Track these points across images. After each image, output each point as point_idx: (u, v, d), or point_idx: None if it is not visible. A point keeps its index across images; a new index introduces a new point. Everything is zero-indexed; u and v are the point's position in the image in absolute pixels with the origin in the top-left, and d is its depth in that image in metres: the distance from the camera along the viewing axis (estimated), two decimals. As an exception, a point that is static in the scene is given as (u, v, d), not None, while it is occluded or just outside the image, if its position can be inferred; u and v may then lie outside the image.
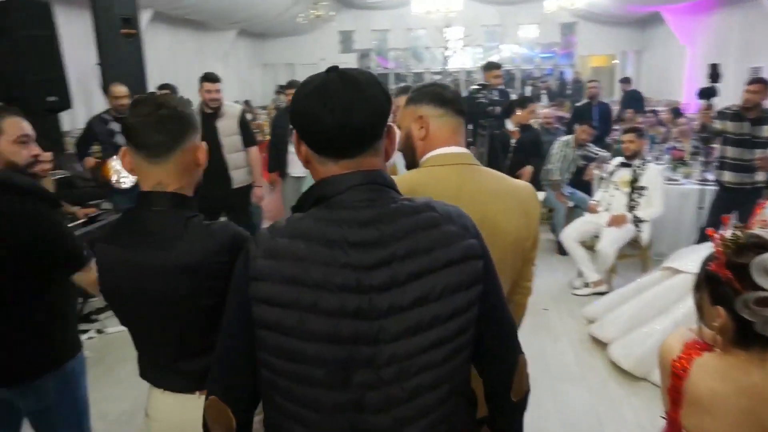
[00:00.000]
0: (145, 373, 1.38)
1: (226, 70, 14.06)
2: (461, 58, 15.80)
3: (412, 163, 1.51)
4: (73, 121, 6.65)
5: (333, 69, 0.97)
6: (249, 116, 10.44)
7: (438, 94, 1.43)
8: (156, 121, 1.20)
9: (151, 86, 5.72)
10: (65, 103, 5.04)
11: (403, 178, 1.44)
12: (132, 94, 4.89)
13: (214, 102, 3.86)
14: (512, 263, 1.46)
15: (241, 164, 4.04)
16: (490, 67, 5.11)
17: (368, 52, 16.65)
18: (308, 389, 0.93)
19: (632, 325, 3.27)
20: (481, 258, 0.99)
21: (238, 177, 4.03)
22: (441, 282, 0.93)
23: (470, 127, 4.30)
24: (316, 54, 15.31)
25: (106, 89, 4.82)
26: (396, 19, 15.46)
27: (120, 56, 4.94)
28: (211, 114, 3.89)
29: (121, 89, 4.35)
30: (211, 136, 3.86)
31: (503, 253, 1.38)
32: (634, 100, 8.79)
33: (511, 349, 1.07)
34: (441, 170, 1.40)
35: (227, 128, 3.93)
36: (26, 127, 1.74)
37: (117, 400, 2.93)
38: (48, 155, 3.76)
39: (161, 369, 1.35)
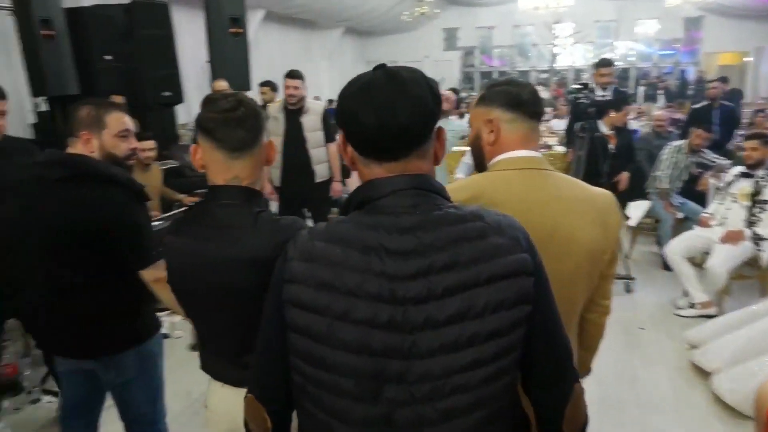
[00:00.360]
0: (206, 366, 1.42)
1: (331, 68, 14.52)
2: (570, 56, 15.09)
3: (480, 165, 1.42)
4: (189, 114, 7.15)
5: (380, 67, 0.92)
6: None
7: (512, 94, 1.33)
8: (239, 117, 1.23)
9: (256, 82, 5.99)
10: (177, 98, 5.44)
11: (467, 182, 1.37)
12: (236, 89, 5.15)
13: (291, 98, 3.96)
14: (587, 278, 1.33)
15: (324, 159, 4.14)
16: (598, 64, 4.80)
17: (472, 49, 16.40)
18: (337, 399, 0.89)
19: (743, 355, 2.91)
20: (532, 275, 0.90)
21: (320, 171, 4.14)
22: (482, 298, 0.85)
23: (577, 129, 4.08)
24: (420, 52, 15.34)
25: (213, 85, 5.12)
26: (502, 15, 15.09)
27: (227, 54, 5.22)
28: (296, 110, 3.99)
29: (222, 84, 4.62)
30: (295, 131, 3.98)
31: (576, 266, 1.27)
32: (733, 101, 7.83)
33: (564, 376, 0.96)
34: (508, 175, 1.30)
35: (311, 124, 4.03)
36: (128, 123, 1.85)
37: (201, 381, 3.07)
38: (150, 143, 4.04)
39: (223, 362, 1.37)
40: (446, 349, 0.85)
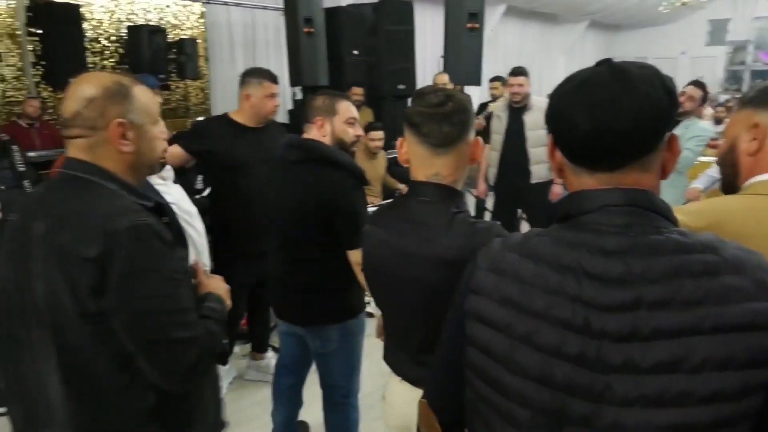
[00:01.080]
0: (387, 357, 1.44)
1: (569, 64, 13.79)
2: None
3: (729, 185, 1.16)
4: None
5: (604, 62, 0.80)
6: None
7: None
8: (446, 113, 1.21)
9: (489, 77, 5.96)
10: (410, 91, 5.72)
11: (704, 205, 1.13)
12: (465, 84, 5.20)
13: (515, 95, 3.89)
14: None
15: (544, 159, 3.94)
16: None
17: (745, 44, 13.97)
18: (509, 428, 0.81)
19: None
20: None
21: (538, 172, 3.97)
22: (703, 350, 0.68)
23: None
24: (675, 47, 13.65)
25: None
26: (793, 2, 12.51)
27: (461, 49, 5.28)
28: (519, 108, 3.90)
29: (443, 78, 4.73)
30: (516, 129, 3.91)
31: None
32: None
33: None
34: None
35: (534, 122, 3.89)
36: (354, 111, 2.01)
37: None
38: (380, 134, 4.32)
39: (403, 357, 1.38)
40: (646, 402, 0.70)
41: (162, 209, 1.18)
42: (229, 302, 1.33)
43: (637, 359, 0.71)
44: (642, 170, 0.77)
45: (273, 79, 2.57)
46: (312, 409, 2.36)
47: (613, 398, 0.72)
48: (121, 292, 1.03)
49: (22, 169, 3.55)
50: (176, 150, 2.44)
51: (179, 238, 1.16)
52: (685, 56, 13.58)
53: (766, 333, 0.68)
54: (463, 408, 0.93)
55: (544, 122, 3.23)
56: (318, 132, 1.93)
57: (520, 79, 3.86)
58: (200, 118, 6.35)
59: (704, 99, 3.53)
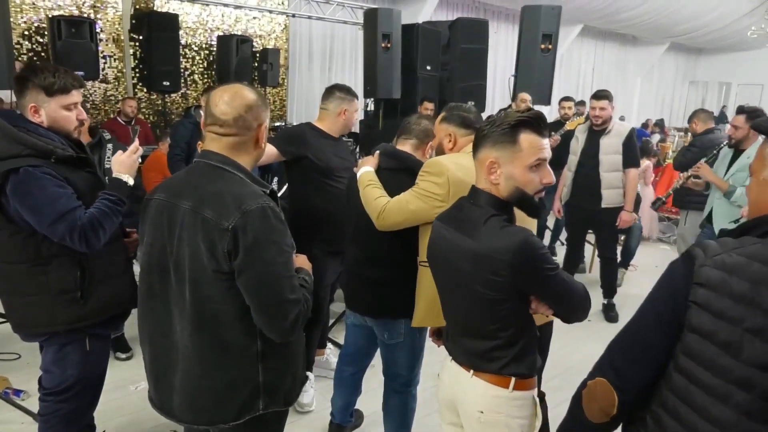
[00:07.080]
0: (445, 341, 1.61)
1: (646, 87, 13.45)
2: None
3: None
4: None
5: None
6: (658, 137, 9.75)
7: None
8: (478, 130, 1.44)
9: (559, 96, 5.97)
10: (480, 108, 5.82)
11: None
12: (534, 104, 5.27)
13: (596, 119, 3.88)
14: None
15: (616, 185, 3.90)
16: None
17: (842, 73, 13.15)
18: (724, 409, 0.91)
19: None
20: None
21: (609, 197, 3.91)
22: None
23: None
24: (762, 73, 13.02)
25: (514, 98, 5.33)
26: None
27: (533, 69, 5.35)
28: (599, 131, 3.91)
29: (524, 96, 4.81)
30: (592, 151, 3.91)
31: None
32: None
33: None
34: None
35: (610, 146, 3.87)
36: None
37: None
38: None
39: (451, 339, 1.56)
40: None
41: (274, 195, 1.42)
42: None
43: None
44: None
45: (357, 97, 2.84)
46: (367, 399, 2.51)
47: None
48: (248, 257, 1.28)
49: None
50: (272, 150, 2.67)
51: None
52: (771, 84, 12.95)
53: None
54: (648, 388, 1.02)
55: (620, 147, 3.28)
56: (422, 155, 2.13)
57: (603, 103, 3.86)
58: (277, 124, 6.72)
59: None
